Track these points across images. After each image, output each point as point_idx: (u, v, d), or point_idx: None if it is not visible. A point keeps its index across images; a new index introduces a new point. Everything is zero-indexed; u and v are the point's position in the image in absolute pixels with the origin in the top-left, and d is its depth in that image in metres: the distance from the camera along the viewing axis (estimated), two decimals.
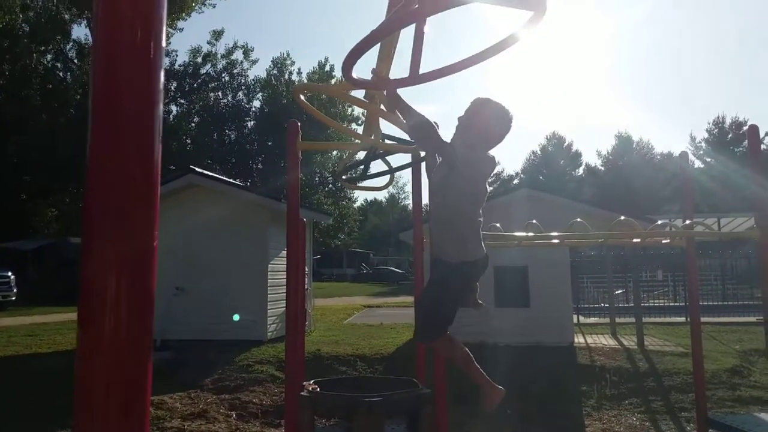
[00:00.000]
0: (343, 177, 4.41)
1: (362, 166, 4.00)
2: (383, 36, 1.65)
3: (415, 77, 1.93)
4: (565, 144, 67.78)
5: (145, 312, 0.94)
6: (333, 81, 43.87)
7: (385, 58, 2.14)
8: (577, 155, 67.65)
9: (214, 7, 36.63)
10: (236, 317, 11.08)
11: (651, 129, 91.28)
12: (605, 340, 12.13)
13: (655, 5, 75.09)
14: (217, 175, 15.04)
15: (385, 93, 2.47)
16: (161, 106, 1.02)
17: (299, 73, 43.53)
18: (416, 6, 1.49)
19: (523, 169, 69.61)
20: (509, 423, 6.86)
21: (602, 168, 63.36)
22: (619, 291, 17.96)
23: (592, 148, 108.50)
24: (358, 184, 4.85)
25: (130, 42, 0.96)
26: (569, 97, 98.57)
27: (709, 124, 56.32)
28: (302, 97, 2.69)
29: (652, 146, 62.54)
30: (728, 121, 54.33)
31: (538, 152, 68.29)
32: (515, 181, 66.87)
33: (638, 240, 6.33)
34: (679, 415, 7.55)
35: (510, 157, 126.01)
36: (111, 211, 0.94)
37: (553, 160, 66.08)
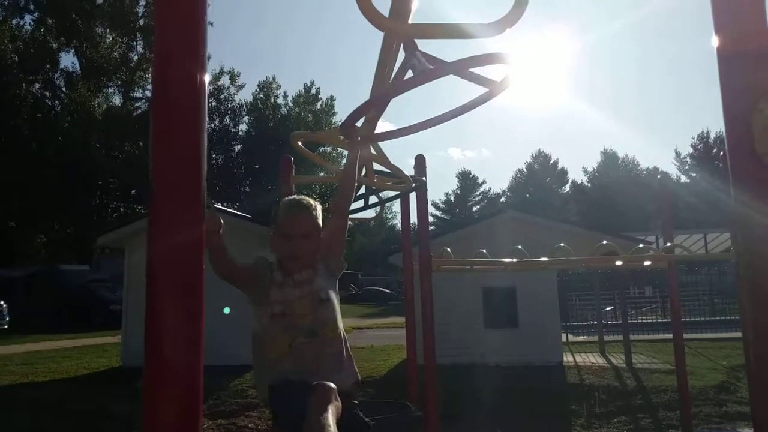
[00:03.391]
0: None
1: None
2: (381, 103, 1.86)
3: (402, 130, 2.16)
4: (551, 161, 68.51)
5: (198, 339, 1.12)
6: (318, 104, 44.27)
7: (372, 118, 2.36)
8: (564, 173, 68.37)
9: None
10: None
11: (636, 145, 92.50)
12: (594, 359, 12.31)
13: (639, 20, 76.57)
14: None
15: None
16: (206, 127, 1.22)
17: (285, 96, 44.03)
18: (411, 75, 1.72)
19: (510, 187, 70.22)
20: None
21: (589, 185, 64.07)
22: (609, 308, 18.15)
23: (579, 165, 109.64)
24: (350, 217, 5.05)
25: (181, 75, 1.15)
26: (554, 115, 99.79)
27: (693, 139, 57.20)
28: (299, 143, 2.90)
29: (638, 162, 63.41)
30: (713, 136, 55.19)
31: (524, 170, 68.95)
32: (502, 199, 67.43)
33: (620, 263, 6.57)
34: None
35: (496, 175, 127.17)
36: (174, 230, 1.12)
37: (540, 177, 66.70)
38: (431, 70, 1.65)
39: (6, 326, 18.24)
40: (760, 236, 1.19)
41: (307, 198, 2.38)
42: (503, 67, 1.82)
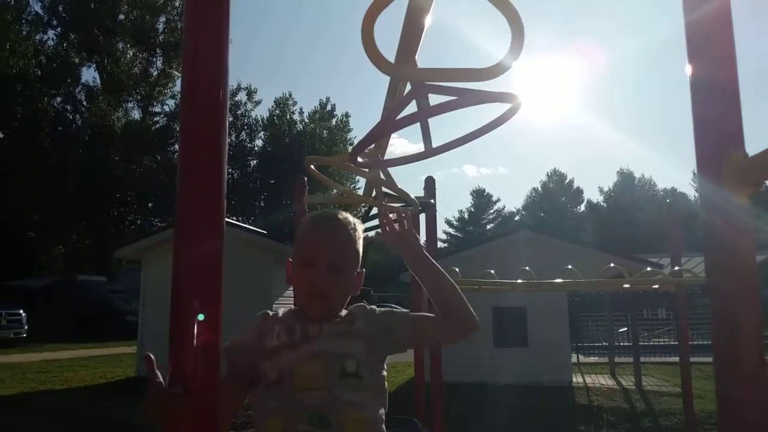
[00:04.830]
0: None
1: (364, 221, 4.38)
2: (386, 134, 2.03)
3: (406, 158, 2.32)
4: (566, 181, 68.36)
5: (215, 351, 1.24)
6: (333, 120, 44.72)
7: (381, 144, 2.53)
8: (579, 192, 68.16)
9: None
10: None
11: (654, 165, 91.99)
12: (604, 380, 12.31)
13: (659, 40, 76.45)
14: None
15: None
16: (227, 142, 1.36)
17: (301, 112, 44.45)
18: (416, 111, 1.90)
19: (524, 206, 70.11)
20: None
21: (604, 204, 63.83)
22: (622, 329, 18.07)
23: (594, 185, 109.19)
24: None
25: (207, 94, 1.29)
26: (571, 134, 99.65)
27: None
28: (312, 167, 3.07)
29: (655, 183, 63.11)
30: None
31: (539, 189, 68.87)
32: (516, 218, 67.31)
33: (628, 286, 6.66)
34: None
35: (511, 194, 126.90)
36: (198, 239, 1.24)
37: (555, 197, 66.54)
38: (431, 108, 1.82)
39: (24, 335, 18.56)
40: (727, 267, 1.30)
41: (342, 213, 1.66)
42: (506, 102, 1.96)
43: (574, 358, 13.78)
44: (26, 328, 18.67)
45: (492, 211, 69.47)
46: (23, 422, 8.27)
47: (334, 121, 44.93)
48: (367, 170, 2.67)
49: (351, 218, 1.64)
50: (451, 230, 67.50)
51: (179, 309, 1.17)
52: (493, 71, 1.66)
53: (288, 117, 43.66)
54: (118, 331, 19.65)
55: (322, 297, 1.52)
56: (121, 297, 23.49)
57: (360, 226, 1.67)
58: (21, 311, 18.74)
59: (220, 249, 1.22)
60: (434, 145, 2.18)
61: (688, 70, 1.25)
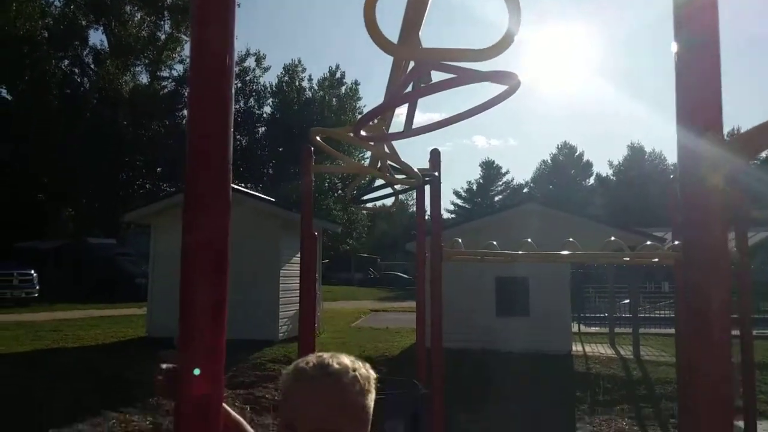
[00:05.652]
0: (354, 196, 4.92)
1: (370, 190, 4.49)
2: (390, 108, 2.14)
3: (408, 131, 2.43)
4: (576, 154, 68.04)
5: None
6: (343, 88, 44.46)
7: (386, 116, 2.63)
8: (588, 165, 67.89)
9: None
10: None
11: (665, 139, 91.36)
12: (603, 350, 12.53)
13: (668, 9, 74.99)
14: (233, 185, 15.62)
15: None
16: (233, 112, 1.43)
17: (310, 79, 44.17)
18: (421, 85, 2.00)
19: (533, 178, 69.93)
20: (503, 424, 7.29)
21: (613, 178, 63.57)
22: (626, 301, 18.25)
23: (604, 159, 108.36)
24: (367, 206, 5.36)
25: (214, 59, 1.33)
26: (582, 107, 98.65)
27: (724, 135, 56.32)
28: (318, 138, 3.16)
29: (665, 157, 62.68)
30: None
31: (549, 162, 68.60)
32: (525, 190, 67.19)
33: (627, 259, 6.80)
34: (669, 422, 7.96)
35: (520, 166, 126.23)
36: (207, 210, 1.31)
37: (564, 170, 66.33)
38: (435, 84, 1.92)
39: (36, 294, 18.97)
40: (701, 241, 1.41)
41: (339, 358, 1.22)
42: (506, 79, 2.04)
43: (575, 328, 13.99)
44: (37, 288, 19.05)
45: (500, 182, 69.33)
46: (39, 378, 8.59)
47: (343, 89, 44.68)
48: (371, 143, 2.77)
49: (352, 364, 1.20)
50: (458, 201, 67.55)
51: (189, 274, 1.23)
52: (492, 51, 1.76)
53: (297, 84, 43.42)
54: (128, 293, 20.01)
55: None
56: (130, 260, 23.83)
57: (369, 374, 1.21)
58: (32, 271, 19.10)
59: (227, 215, 1.27)
60: (442, 117, 2.29)
61: (674, 48, 1.29)
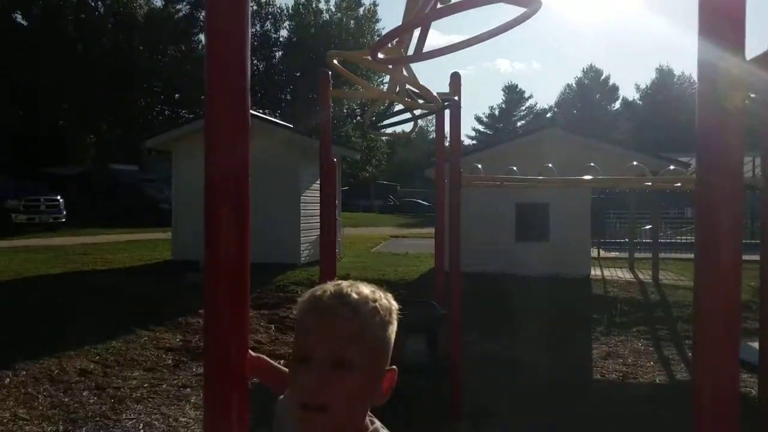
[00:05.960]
0: (373, 122, 4.90)
1: (389, 116, 4.47)
2: (409, 29, 2.11)
3: (425, 53, 2.40)
4: (602, 77, 66.09)
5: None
6: (361, 10, 43.17)
7: (404, 39, 2.59)
8: (614, 89, 66.06)
9: None
10: None
11: (695, 61, 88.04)
12: (622, 274, 12.64)
13: None
14: (253, 111, 15.56)
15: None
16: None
17: (327, 1, 42.89)
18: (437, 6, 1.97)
19: (557, 102, 68.41)
20: (519, 344, 7.51)
21: (640, 102, 61.88)
22: (648, 227, 18.20)
23: (631, 82, 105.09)
24: (385, 131, 5.36)
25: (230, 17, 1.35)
26: (609, 27, 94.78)
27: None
28: (335, 61, 3.13)
29: (695, 80, 60.43)
30: None
31: (574, 86, 66.83)
32: (548, 115, 65.93)
33: (649, 184, 6.75)
34: (683, 342, 8.11)
35: (544, 90, 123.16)
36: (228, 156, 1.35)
37: (589, 94, 64.69)
38: (454, 4, 1.89)
39: (63, 220, 19.40)
40: (717, 165, 1.39)
41: (358, 286, 1.13)
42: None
43: (594, 253, 14.07)
44: (64, 213, 19.46)
45: (523, 107, 67.96)
46: (72, 296, 9.00)
47: (361, 10, 43.39)
48: (389, 66, 2.74)
49: (372, 294, 1.12)
50: (480, 127, 66.59)
51: (212, 199, 1.31)
52: None
53: (314, 6, 42.23)
54: (152, 219, 20.42)
55: (320, 409, 1.03)
56: (153, 186, 24.16)
57: (390, 305, 1.14)
58: (59, 197, 19.46)
59: (246, 141, 1.34)
60: (461, 39, 2.25)
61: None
